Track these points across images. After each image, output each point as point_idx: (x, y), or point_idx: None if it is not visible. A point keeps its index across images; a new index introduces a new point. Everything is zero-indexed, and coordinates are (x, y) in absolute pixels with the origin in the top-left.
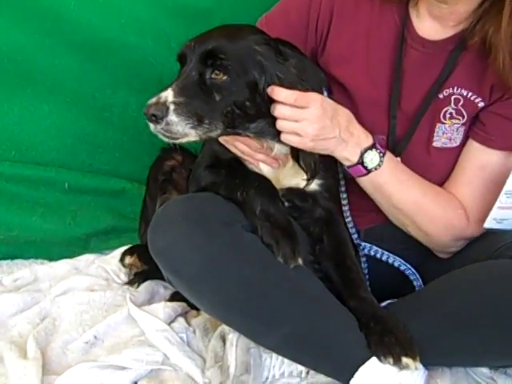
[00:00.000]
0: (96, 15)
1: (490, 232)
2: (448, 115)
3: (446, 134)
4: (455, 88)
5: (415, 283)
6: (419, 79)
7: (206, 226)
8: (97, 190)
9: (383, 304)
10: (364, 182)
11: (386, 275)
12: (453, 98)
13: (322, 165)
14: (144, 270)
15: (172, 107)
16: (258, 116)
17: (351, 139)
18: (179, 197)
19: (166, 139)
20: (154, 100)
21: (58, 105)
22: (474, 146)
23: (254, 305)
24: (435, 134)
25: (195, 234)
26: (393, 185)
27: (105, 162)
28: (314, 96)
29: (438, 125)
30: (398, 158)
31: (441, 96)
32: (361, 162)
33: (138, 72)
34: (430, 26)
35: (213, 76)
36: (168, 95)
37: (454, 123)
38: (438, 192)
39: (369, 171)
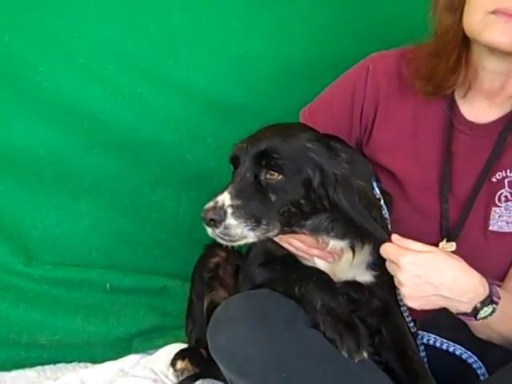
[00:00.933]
0: (131, 115)
1: None
2: (503, 198)
3: (503, 217)
4: (508, 171)
5: (478, 371)
6: (469, 163)
7: (268, 324)
8: (139, 289)
9: None
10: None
11: (445, 364)
12: (506, 181)
13: (377, 255)
14: (195, 372)
15: (230, 211)
16: (312, 213)
17: (465, 296)
18: (237, 295)
19: (224, 242)
20: (211, 204)
21: (95, 205)
22: None
23: None
24: (491, 218)
25: (258, 333)
26: (499, 320)
27: (145, 260)
28: (402, 254)
29: (494, 208)
30: (454, 243)
31: (494, 180)
32: (474, 315)
33: (175, 169)
34: (478, 106)
35: (267, 176)
36: (225, 199)
37: (510, 206)
38: None
39: (478, 319)
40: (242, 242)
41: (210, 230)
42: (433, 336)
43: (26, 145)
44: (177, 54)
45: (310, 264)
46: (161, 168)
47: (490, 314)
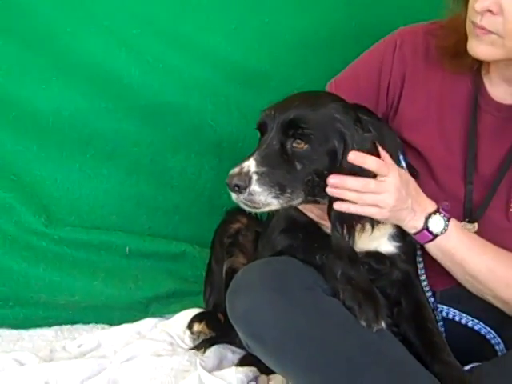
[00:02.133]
0: (156, 80)
1: None
2: None
3: None
4: None
5: (497, 347)
6: (495, 144)
7: (287, 291)
8: (157, 254)
9: (466, 368)
10: (433, 249)
11: (463, 338)
12: None
13: (400, 227)
14: (212, 336)
15: (255, 177)
16: None
17: (419, 208)
18: (258, 261)
19: (247, 208)
20: (236, 170)
21: (117, 169)
22: None
23: (337, 369)
24: None
25: (277, 299)
26: (462, 250)
27: (164, 226)
28: (393, 165)
29: None
30: (475, 224)
31: None
32: (426, 228)
33: (198, 135)
34: (504, 91)
35: (294, 145)
36: (250, 165)
37: None
38: None
39: (435, 236)
40: (265, 209)
41: (234, 196)
42: (452, 310)
43: (50, 106)
44: (203, 19)
45: None
46: (183, 134)
47: (444, 228)
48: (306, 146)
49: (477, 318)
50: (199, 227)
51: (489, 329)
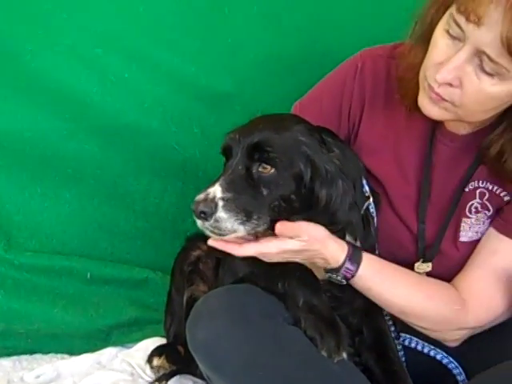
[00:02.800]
0: (119, 100)
1: None
2: (473, 209)
3: (473, 227)
4: (480, 182)
5: (458, 377)
6: (448, 174)
7: (247, 320)
8: (119, 280)
9: None
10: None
11: (425, 367)
12: (478, 191)
13: None
14: (172, 370)
15: (221, 203)
16: (302, 209)
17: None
18: (218, 289)
19: (213, 235)
20: (202, 196)
21: (79, 192)
22: (490, 232)
23: None
24: (461, 229)
25: (236, 329)
26: (369, 292)
27: (126, 251)
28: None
29: (464, 219)
30: (430, 264)
31: (466, 189)
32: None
33: (161, 157)
34: (459, 123)
35: (260, 169)
36: (216, 191)
37: (480, 217)
38: (431, 289)
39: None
40: (231, 236)
41: (199, 223)
42: (415, 339)
43: (11, 127)
44: (165, 39)
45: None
46: (146, 156)
47: (341, 282)
48: (272, 170)
49: (438, 347)
50: (162, 253)
51: (450, 358)
